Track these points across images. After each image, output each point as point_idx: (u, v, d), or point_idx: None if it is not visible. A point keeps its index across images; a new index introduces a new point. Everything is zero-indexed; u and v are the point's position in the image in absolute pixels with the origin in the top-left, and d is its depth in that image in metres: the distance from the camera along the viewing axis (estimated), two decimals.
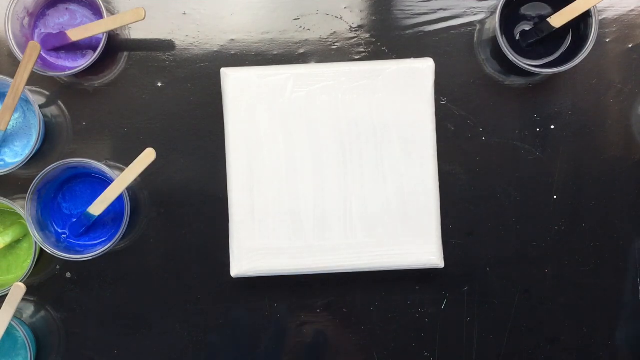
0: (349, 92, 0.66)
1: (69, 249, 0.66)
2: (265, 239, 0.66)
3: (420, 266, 0.66)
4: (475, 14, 0.70)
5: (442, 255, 0.66)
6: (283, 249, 0.66)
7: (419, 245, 0.66)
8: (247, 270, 0.66)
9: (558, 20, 0.64)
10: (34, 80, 0.70)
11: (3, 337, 0.63)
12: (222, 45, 0.70)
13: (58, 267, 0.70)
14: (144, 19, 0.65)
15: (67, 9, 0.69)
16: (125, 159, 0.69)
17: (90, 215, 0.65)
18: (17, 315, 0.69)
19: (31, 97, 0.65)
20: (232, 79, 0.66)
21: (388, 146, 0.66)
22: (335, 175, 0.66)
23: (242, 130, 0.66)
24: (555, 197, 0.70)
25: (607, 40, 0.70)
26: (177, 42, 0.71)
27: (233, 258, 0.66)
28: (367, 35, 0.70)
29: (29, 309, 0.71)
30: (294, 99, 0.66)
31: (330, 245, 0.66)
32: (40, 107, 0.69)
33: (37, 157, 0.69)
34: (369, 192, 0.66)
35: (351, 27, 0.70)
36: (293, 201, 0.66)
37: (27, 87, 0.64)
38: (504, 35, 0.67)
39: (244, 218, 0.66)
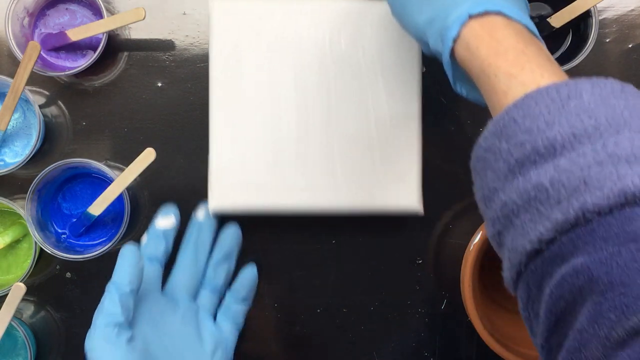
0: (337, 30, 0.65)
1: (69, 249, 0.66)
2: (245, 175, 0.65)
3: (400, 211, 0.66)
4: None
5: (422, 202, 0.66)
6: (263, 186, 0.65)
7: (399, 190, 0.66)
8: (226, 206, 0.65)
9: (558, 20, 0.64)
10: (34, 80, 0.70)
11: (3, 337, 0.63)
12: None
13: (58, 267, 0.70)
14: (144, 19, 0.65)
15: (67, 9, 0.69)
16: (125, 159, 0.69)
17: (90, 215, 0.65)
18: (17, 315, 0.69)
19: (31, 97, 0.65)
20: (221, 9, 0.66)
21: (373, 86, 0.65)
22: (318, 113, 0.65)
23: (226, 63, 0.66)
24: None
25: (607, 40, 0.70)
26: (177, 42, 0.71)
27: (211, 193, 0.66)
28: None
29: (29, 309, 0.71)
30: (281, 34, 0.65)
31: (310, 185, 0.65)
32: (40, 107, 0.69)
33: (37, 157, 0.69)
34: (352, 132, 0.66)
35: None
36: (275, 139, 0.65)
37: (27, 87, 0.64)
38: None
39: (224, 154, 0.66)
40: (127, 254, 0.58)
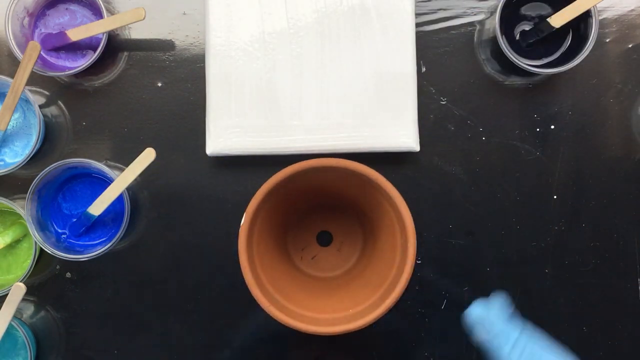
0: None
1: (69, 249, 0.67)
2: (241, 117, 0.66)
3: (396, 149, 0.66)
4: (475, 14, 0.70)
5: (418, 139, 0.67)
6: (259, 128, 0.66)
7: (395, 127, 0.66)
8: (223, 148, 0.67)
9: (558, 20, 0.64)
10: (34, 80, 0.70)
11: (3, 337, 0.63)
12: None
13: (58, 267, 0.70)
14: (144, 19, 0.65)
15: (67, 9, 0.69)
16: (125, 159, 0.69)
17: (90, 215, 0.65)
18: (17, 315, 0.69)
19: (31, 97, 0.65)
20: None
21: (367, 27, 0.66)
22: (313, 56, 0.66)
23: (222, 10, 0.67)
24: (555, 197, 0.70)
25: (607, 40, 0.70)
26: (177, 42, 0.71)
27: (209, 136, 0.67)
28: None
29: (29, 309, 0.71)
30: None
31: (306, 125, 0.66)
32: (40, 107, 0.69)
33: (37, 157, 0.70)
34: (347, 73, 0.66)
35: None
36: (270, 81, 0.66)
37: (27, 87, 0.64)
38: (504, 35, 0.67)
39: (221, 97, 0.66)
40: None
